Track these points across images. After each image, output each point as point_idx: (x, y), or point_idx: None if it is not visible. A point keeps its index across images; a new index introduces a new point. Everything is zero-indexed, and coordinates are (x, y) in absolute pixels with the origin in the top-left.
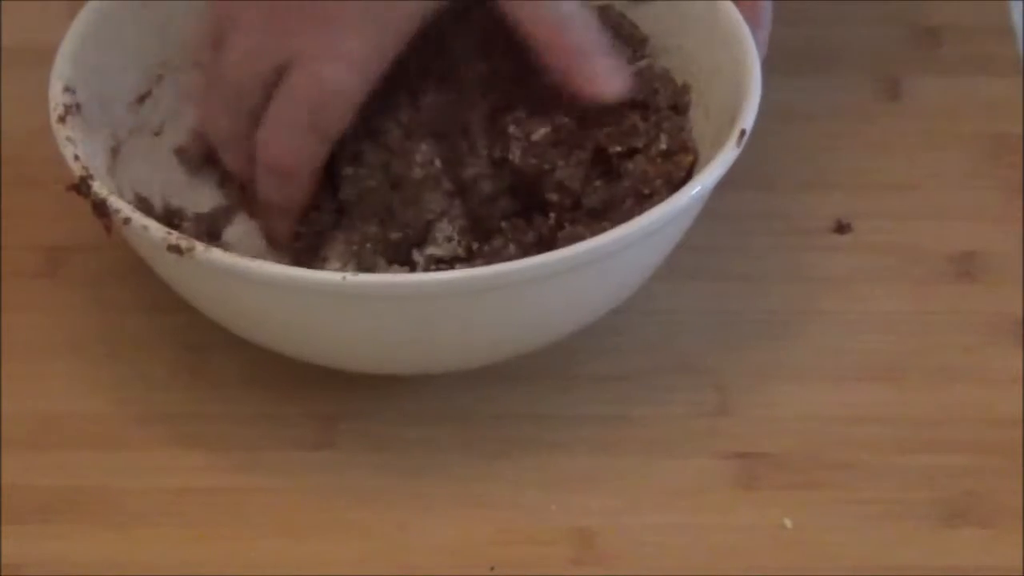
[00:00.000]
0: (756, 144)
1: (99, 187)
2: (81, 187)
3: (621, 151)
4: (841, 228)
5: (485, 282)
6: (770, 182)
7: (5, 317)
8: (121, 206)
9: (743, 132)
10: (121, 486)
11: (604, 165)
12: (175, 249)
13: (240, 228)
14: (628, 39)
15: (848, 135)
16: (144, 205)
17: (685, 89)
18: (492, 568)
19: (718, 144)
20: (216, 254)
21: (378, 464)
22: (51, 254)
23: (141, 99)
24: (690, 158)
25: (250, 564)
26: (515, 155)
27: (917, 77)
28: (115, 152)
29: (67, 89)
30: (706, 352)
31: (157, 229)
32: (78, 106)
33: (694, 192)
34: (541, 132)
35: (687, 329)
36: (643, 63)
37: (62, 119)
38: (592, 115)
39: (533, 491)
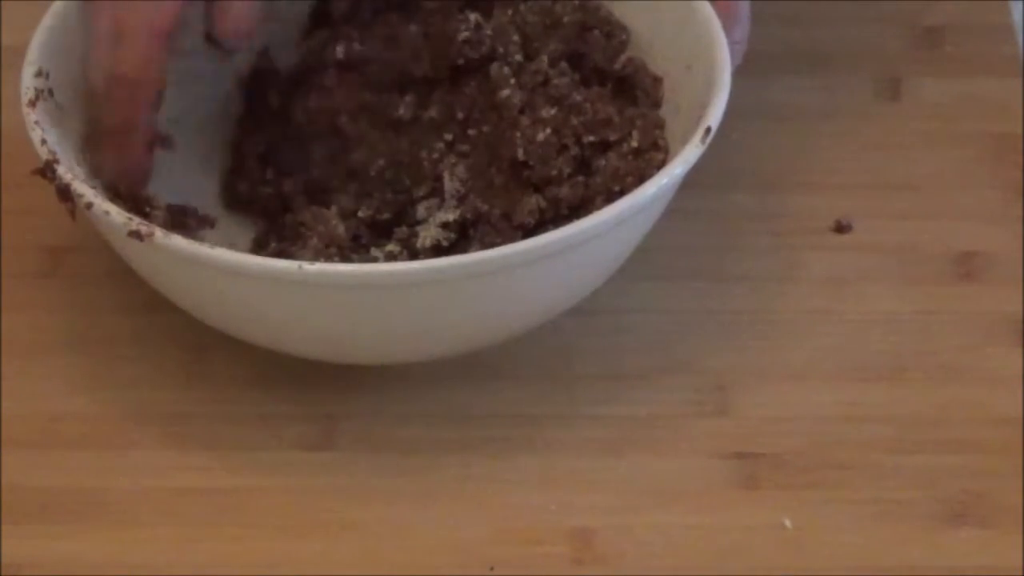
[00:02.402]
0: (756, 144)
1: (63, 171)
2: (46, 171)
3: (594, 142)
4: (841, 228)
5: (422, 275)
6: (770, 182)
7: (5, 317)
8: (84, 191)
9: (708, 130)
10: (121, 486)
11: (578, 160)
12: (135, 235)
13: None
14: (612, 33)
15: (848, 135)
16: (116, 191)
17: (659, 83)
18: (492, 568)
19: (688, 142)
20: (176, 240)
21: (378, 464)
22: (51, 254)
23: None
24: (661, 156)
25: (250, 564)
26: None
27: (917, 77)
28: (89, 138)
29: (39, 74)
30: (706, 352)
31: (118, 214)
32: (51, 91)
33: (648, 192)
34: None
35: (687, 329)
36: (626, 57)
37: (32, 103)
38: (573, 104)
39: (533, 491)
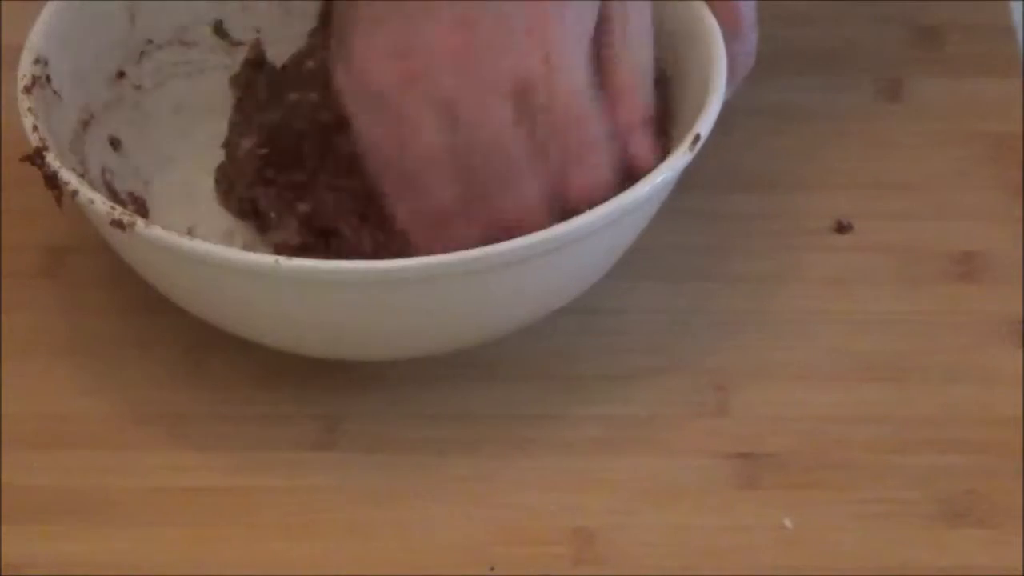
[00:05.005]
0: (756, 144)
1: (52, 159)
2: (35, 158)
3: None
4: (841, 228)
5: (402, 273)
6: (770, 182)
7: (5, 317)
8: (71, 179)
9: (697, 137)
10: (121, 486)
11: None
12: (117, 224)
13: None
14: None
15: (848, 135)
16: (109, 179)
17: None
18: (492, 568)
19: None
20: (156, 231)
21: (378, 464)
22: (51, 254)
23: (121, 74)
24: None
25: (250, 564)
26: None
27: (918, 77)
28: (86, 125)
29: (38, 60)
30: (706, 352)
31: (102, 203)
32: (48, 78)
33: (628, 200)
34: None
35: (687, 329)
36: None
37: (28, 89)
38: None
39: (533, 491)
